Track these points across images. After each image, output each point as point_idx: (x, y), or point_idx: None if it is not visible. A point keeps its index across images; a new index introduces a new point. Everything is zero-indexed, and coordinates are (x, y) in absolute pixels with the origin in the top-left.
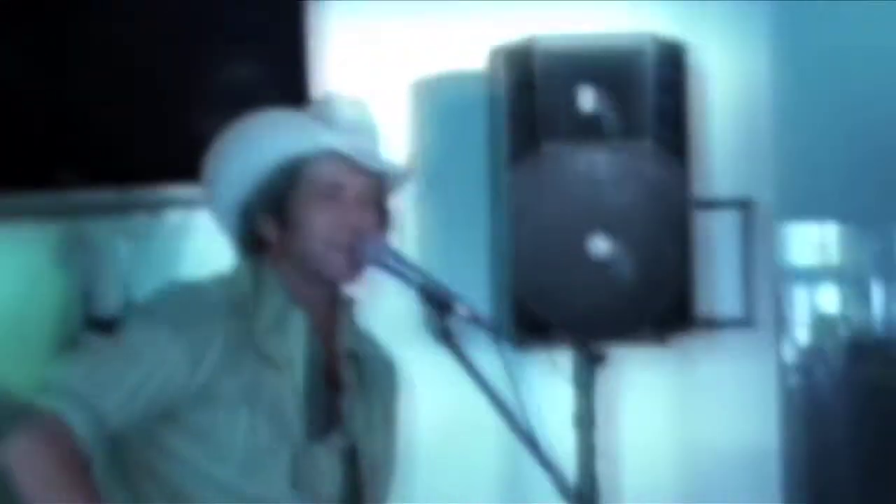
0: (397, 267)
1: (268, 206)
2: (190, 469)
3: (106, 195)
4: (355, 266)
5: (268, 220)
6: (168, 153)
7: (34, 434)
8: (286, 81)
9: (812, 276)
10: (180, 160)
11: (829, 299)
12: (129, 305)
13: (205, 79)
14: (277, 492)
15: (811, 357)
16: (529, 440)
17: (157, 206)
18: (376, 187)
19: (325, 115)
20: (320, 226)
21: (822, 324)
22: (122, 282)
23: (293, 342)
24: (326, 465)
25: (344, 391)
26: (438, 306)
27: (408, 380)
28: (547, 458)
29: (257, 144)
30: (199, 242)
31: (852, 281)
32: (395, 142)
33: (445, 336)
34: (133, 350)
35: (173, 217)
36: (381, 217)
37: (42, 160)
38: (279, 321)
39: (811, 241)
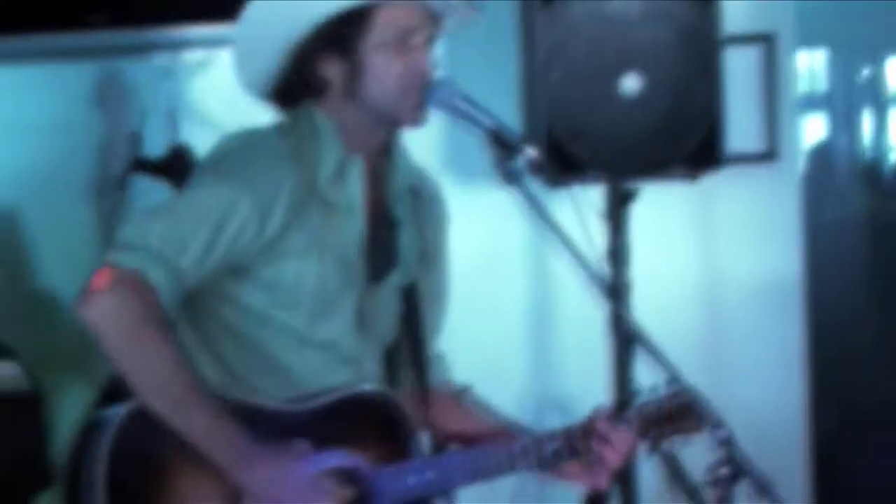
0: (466, 109)
1: (333, 47)
2: (257, 317)
3: (137, 36)
4: (423, 108)
5: (332, 62)
6: None
7: (118, 290)
8: None
9: (803, 105)
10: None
11: (820, 127)
12: (174, 147)
13: None
14: (343, 334)
15: (815, 187)
16: (598, 279)
17: (183, 46)
18: (438, 28)
19: None
20: (397, 71)
21: (816, 154)
22: (172, 122)
23: (353, 188)
24: (387, 304)
25: (399, 228)
26: (506, 149)
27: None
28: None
29: None
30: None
31: (842, 108)
32: None
33: (513, 177)
34: (205, 206)
35: (196, 56)
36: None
37: (72, 2)
38: (340, 169)
39: (801, 70)
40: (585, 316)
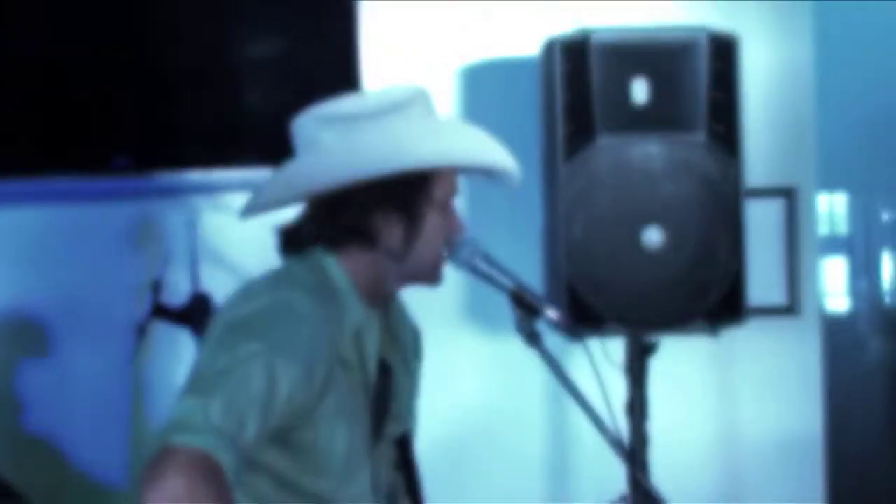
0: (487, 270)
1: (395, 203)
2: (288, 485)
3: (162, 179)
4: (444, 267)
5: (391, 216)
6: (222, 136)
7: (192, 473)
8: (336, 65)
9: (823, 247)
10: (233, 143)
11: (840, 270)
12: (196, 295)
13: (256, 58)
14: (365, 494)
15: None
16: (616, 441)
17: (212, 189)
18: None
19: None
20: (446, 233)
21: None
22: (191, 270)
23: (371, 347)
24: (385, 456)
25: (393, 376)
26: (528, 310)
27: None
28: (631, 457)
29: (408, 142)
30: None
31: (862, 251)
32: None
33: (533, 338)
34: (255, 376)
35: (220, 200)
36: None
37: (98, 145)
38: (360, 329)
39: (822, 212)
40: (604, 471)
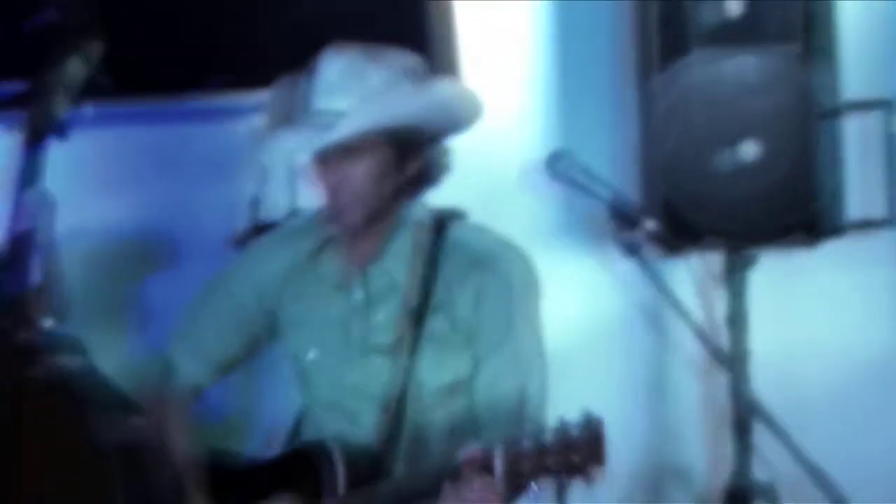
0: (585, 182)
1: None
2: None
3: (259, 97)
4: None
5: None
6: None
7: None
8: None
9: None
10: None
11: None
12: (293, 211)
13: None
14: None
15: None
16: (716, 350)
17: None
18: None
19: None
20: None
21: None
22: (290, 187)
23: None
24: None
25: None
26: (625, 221)
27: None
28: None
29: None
30: None
31: None
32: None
33: (632, 249)
34: None
35: None
36: None
37: (196, 65)
38: None
39: None
40: (705, 384)
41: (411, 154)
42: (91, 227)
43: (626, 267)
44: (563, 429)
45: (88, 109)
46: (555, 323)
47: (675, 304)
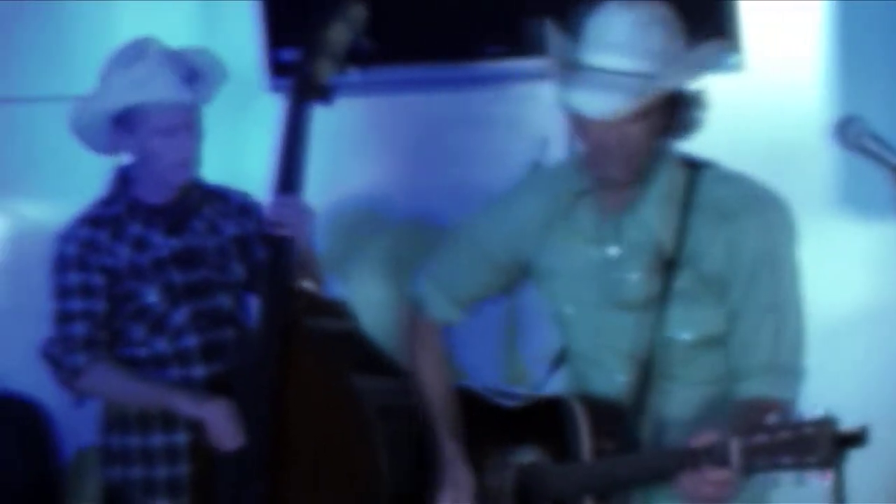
0: (875, 149)
1: None
2: None
3: (536, 63)
4: None
5: None
6: None
7: None
8: None
9: None
10: None
11: None
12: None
13: None
14: None
15: None
16: None
17: None
18: None
19: None
20: None
21: None
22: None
23: None
24: None
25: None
26: None
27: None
28: None
29: None
30: None
31: None
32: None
33: None
34: None
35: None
36: None
37: (473, 34)
38: None
39: None
40: None
41: (680, 110)
42: (358, 192)
43: None
44: (798, 425)
45: (354, 75)
46: (833, 299)
47: None
